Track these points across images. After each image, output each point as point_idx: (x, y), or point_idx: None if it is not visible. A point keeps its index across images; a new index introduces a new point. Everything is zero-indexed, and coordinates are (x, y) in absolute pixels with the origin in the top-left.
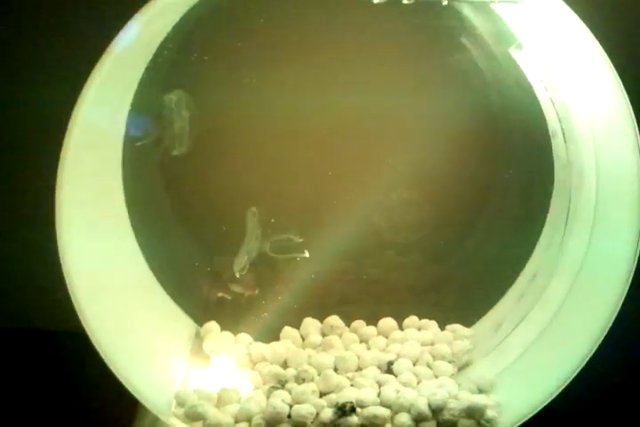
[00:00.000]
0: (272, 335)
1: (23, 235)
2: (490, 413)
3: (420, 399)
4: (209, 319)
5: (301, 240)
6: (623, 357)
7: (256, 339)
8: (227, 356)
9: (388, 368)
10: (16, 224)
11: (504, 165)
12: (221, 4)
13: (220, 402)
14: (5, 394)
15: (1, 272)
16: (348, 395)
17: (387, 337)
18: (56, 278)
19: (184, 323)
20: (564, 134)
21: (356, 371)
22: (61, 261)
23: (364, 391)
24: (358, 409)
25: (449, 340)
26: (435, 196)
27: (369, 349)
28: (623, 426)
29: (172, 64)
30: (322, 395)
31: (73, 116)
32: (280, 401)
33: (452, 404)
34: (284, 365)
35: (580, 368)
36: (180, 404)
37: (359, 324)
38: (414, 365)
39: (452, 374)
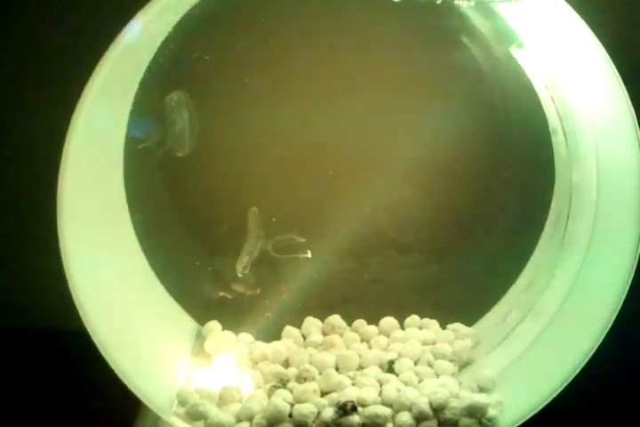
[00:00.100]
0: (273, 335)
1: (24, 235)
2: (491, 412)
3: (422, 398)
4: (210, 319)
5: (304, 240)
6: (624, 356)
7: (257, 338)
8: (228, 355)
9: (390, 367)
10: (17, 224)
11: (505, 162)
12: (222, 3)
13: (222, 401)
14: (6, 394)
15: (1, 272)
16: (350, 394)
17: (388, 336)
18: (57, 278)
19: (185, 322)
20: (564, 132)
21: (358, 370)
22: (63, 261)
23: (365, 390)
24: (359, 408)
25: (450, 339)
26: (435, 195)
27: (370, 348)
28: (624, 425)
29: (174, 64)
30: (323, 394)
31: (74, 117)
32: (281, 400)
33: (454, 403)
34: (286, 364)
35: (581, 367)
36: (182, 403)
37: (360, 323)
38: (415, 364)
39: (454, 373)
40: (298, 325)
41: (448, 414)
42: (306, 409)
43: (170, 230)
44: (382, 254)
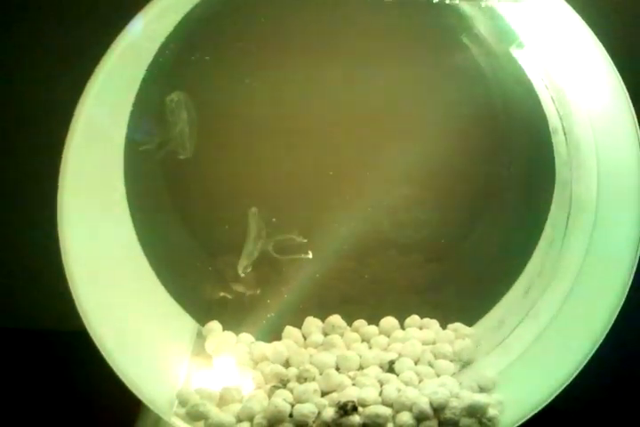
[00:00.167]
0: (274, 335)
1: (24, 235)
2: (491, 411)
3: (422, 398)
4: (211, 319)
5: (304, 241)
6: (624, 356)
7: (258, 338)
8: (228, 355)
9: (390, 367)
10: (17, 224)
11: (505, 162)
12: (222, 4)
13: (222, 401)
14: (6, 394)
15: (2, 272)
16: (350, 394)
17: (388, 336)
18: (57, 278)
19: (186, 323)
20: (564, 131)
21: (358, 370)
22: (63, 261)
23: (365, 390)
24: (360, 408)
25: (450, 339)
26: (436, 194)
27: (370, 348)
28: (624, 425)
29: (174, 64)
30: (323, 394)
31: (75, 116)
32: (282, 400)
33: (454, 403)
34: (286, 364)
35: (581, 367)
36: (182, 403)
37: (361, 323)
38: (416, 364)
39: (454, 373)
40: (298, 325)
41: (448, 414)
42: (306, 409)
43: (170, 231)
44: (382, 255)
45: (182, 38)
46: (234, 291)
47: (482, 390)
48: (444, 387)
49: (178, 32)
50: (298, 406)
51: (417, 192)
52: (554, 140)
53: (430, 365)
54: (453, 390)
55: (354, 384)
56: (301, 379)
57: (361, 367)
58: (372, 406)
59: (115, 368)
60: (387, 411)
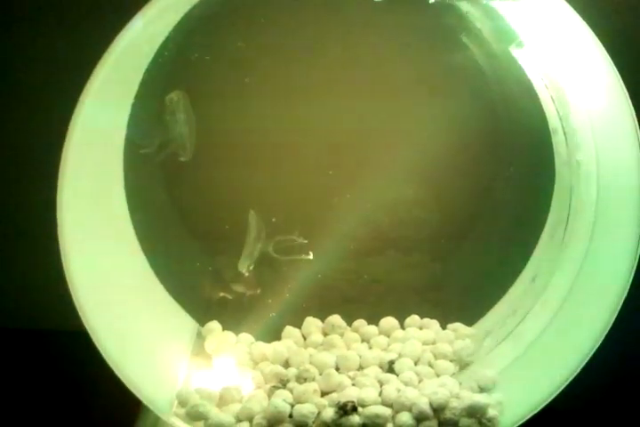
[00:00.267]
0: (274, 335)
1: (24, 235)
2: (491, 412)
3: (422, 398)
4: (211, 319)
5: (305, 241)
6: (624, 356)
7: (257, 338)
8: (228, 355)
9: (390, 367)
10: (17, 224)
11: (504, 162)
12: (222, 4)
13: (222, 402)
14: (6, 394)
15: (1, 272)
16: (350, 394)
17: (388, 336)
18: (57, 278)
19: (186, 323)
20: (564, 131)
21: (358, 370)
22: (63, 261)
23: (365, 391)
24: (360, 408)
25: (450, 339)
26: (435, 194)
27: (370, 348)
28: (623, 425)
29: (173, 64)
30: (323, 394)
31: (74, 117)
32: (281, 401)
33: (454, 403)
34: (286, 364)
35: (581, 368)
36: (182, 403)
37: (360, 323)
38: (416, 364)
39: (454, 373)
40: (298, 325)
41: (448, 415)
42: (306, 409)
43: (170, 230)
44: (382, 254)
45: (182, 38)
46: (233, 291)
47: (482, 390)
48: (443, 387)
49: (177, 32)
50: (297, 407)
51: (417, 192)
52: (554, 140)
53: (430, 365)
54: (453, 391)
55: (354, 384)
56: (301, 379)
57: (361, 367)
58: (371, 407)
59: (114, 368)
60: (386, 411)
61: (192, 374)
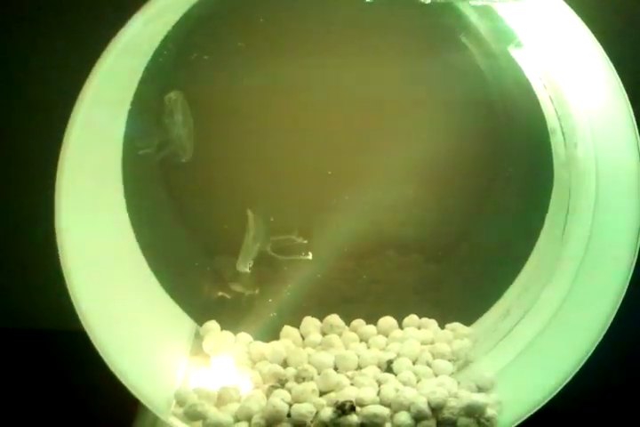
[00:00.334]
0: (272, 334)
1: (23, 235)
2: (489, 411)
3: (420, 398)
4: (209, 319)
5: (304, 241)
6: (622, 356)
7: (256, 338)
8: (226, 355)
9: (388, 367)
10: (16, 224)
11: (503, 162)
12: (221, 3)
13: (220, 401)
14: (5, 394)
15: (1, 272)
16: (348, 394)
17: (386, 336)
18: (56, 278)
19: (184, 322)
20: (562, 132)
21: (356, 370)
22: (61, 261)
23: (363, 390)
24: (358, 408)
25: (449, 338)
26: (434, 194)
27: (369, 348)
28: (622, 425)
29: (172, 64)
30: (321, 394)
31: (72, 116)
32: (280, 400)
33: (452, 402)
34: (284, 364)
35: (580, 367)
36: (180, 403)
37: (359, 323)
38: (414, 363)
39: (452, 373)
40: (296, 324)
41: (446, 414)
42: (304, 409)
43: (168, 230)
44: (381, 254)
45: (181, 38)
46: (232, 290)
47: (480, 389)
48: (442, 387)
49: (176, 32)
50: (296, 406)
51: (415, 192)
52: (552, 141)
53: (428, 364)
54: (452, 390)
55: (352, 384)
56: (299, 379)
57: (359, 367)
58: (370, 406)
59: (112, 368)
60: (385, 411)
61: (190, 374)
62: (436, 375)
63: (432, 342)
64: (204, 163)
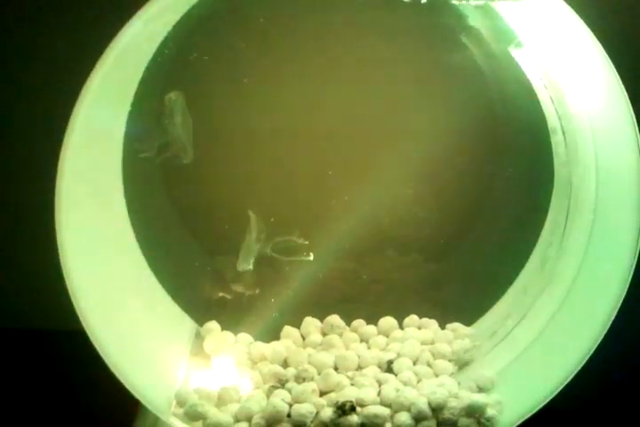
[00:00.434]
0: (272, 335)
1: (23, 235)
2: (490, 411)
3: (420, 398)
4: (209, 319)
5: (306, 242)
6: (623, 355)
7: (256, 338)
8: (227, 355)
9: (389, 367)
10: (16, 224)
11: (504, 162)
12: (221, 3)
13: (220, 401)
14: (5, 394)
15: (1, 272)
16: (348, 394)
17: (387, 336)
18: (56, 279)
19: (184, 322)
20: (563, 132)
21: (357, 370)
22: (61, 262)
23: (364, 390)
24: (358, 408)
25: (449, 339)
26: (434, 194)
27: (369, 348)
28: (623, 425)
29: (173, 64)
30: (322, 394)
31: (73, 116)
32: (280, 400)
33: (453, 403)
34: (285, 364)
35: (580, 367)
36: (181, 403)
37: (359, 323)
38: (414, 364)
39: (452, 373)
40: (297, 325)
41: (447, 414)
42: (304, 409)
43: (169, 230)
44: (381, 254)
45: (181, 38)
46: (232, 291)
47: (480, 390)
48: (442, 387)
49: (176, 32)
50: (296, 407)
51: (416, 192)
52: (553, 140)
53: (429, 365)
54: (452, 390)
55: (352, 384)
56: (300, 379)
57: (359, 367)
58: (370, 407)
59: (113, 368)
60: (385, 411)
61: (191, 374)
62: (437, 376)
63: (432, 343)
64: (205, 163)
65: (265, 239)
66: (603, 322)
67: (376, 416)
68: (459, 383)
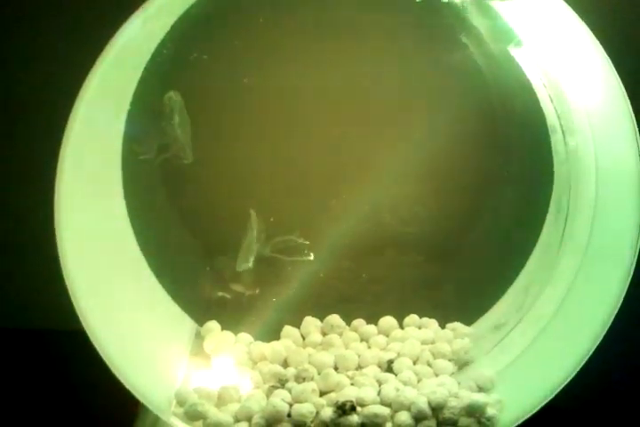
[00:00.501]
0: (272, 334)
1: (23, 235)
2: (490, 411)
3: (421, 398)
4: (209, 319)
5: (307, 242)
6: (623, 355)
7: (256, 338)
8: (227, 355)
9: (389, 367)
10: (16, 224)
11: (503, 161)
12: (220, 3)
13: (221, 401)
14: (5, 394)
15: (1, 272)
16: (349, 394)
17: (387, 336)
18: (56, 278)
19: (184, 322)
20: (562, 131)
21: (357, 370)
22: (61, 262)
23: (364, 390)
24: (358, 408)
25: (449, 338)
26: (434, 194)
27: (369, 347)
28: (623, 423)
29: (171, 64)
30: (322, 394)
31: (72, 116)
32: (280, 400)
33: (453, 402)
34: (285, 364)
35: (581, 366)
36: (181, 403)
37: (359, 322)
38: (414, 363)
39: (453, 373)
40: (297, 324)
41: (447, 414)
42: (304, 409)
43: (169, 230)
44: (381, 254)
45: (180, 38)
46: (232, 291)
47: (480, 389)
48: (442, 386)
49: (175, 32)
50: (296, 406)
51: (416, 191)
52: (552, 139)
53: (429, 364)
54: (452, 390)
55: (352, 384)
56: (300, 379)
57: (359, 367)
58: (370, 406)
59: (113, 368)
60: (385, 411)
61: (191, 374)
62: (437, 375)
63: (432, 342)
64: (204, 163)
65: (265, 239)
66: (603, 322)
67: (376, 416)
68: (459, 383)
